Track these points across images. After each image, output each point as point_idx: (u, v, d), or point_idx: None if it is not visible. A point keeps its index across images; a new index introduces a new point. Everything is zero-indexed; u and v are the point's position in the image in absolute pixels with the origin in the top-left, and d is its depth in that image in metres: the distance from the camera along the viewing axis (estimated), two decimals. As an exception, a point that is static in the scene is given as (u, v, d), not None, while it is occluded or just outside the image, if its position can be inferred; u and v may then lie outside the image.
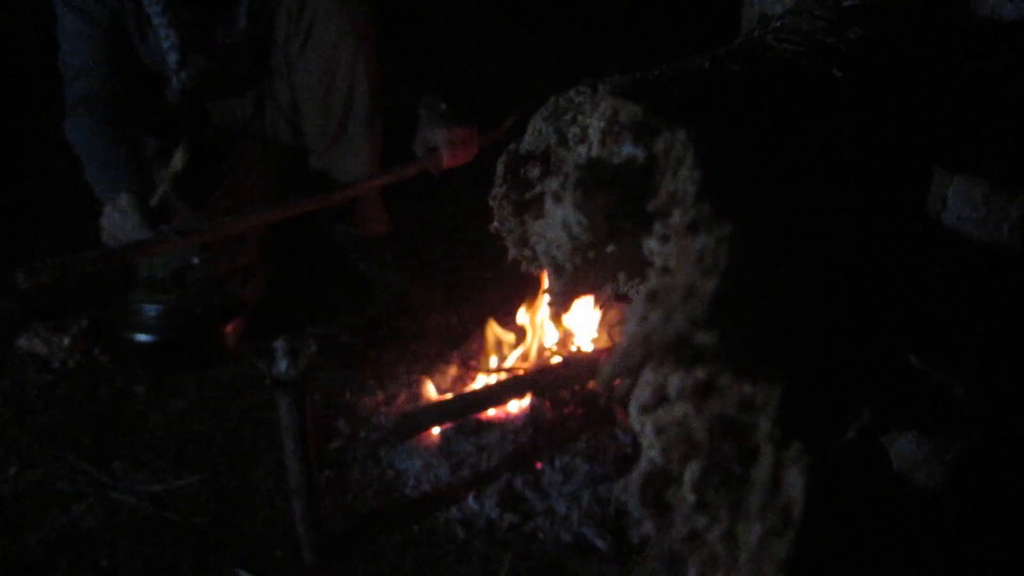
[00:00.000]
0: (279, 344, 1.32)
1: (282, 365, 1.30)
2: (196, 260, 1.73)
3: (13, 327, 1.98)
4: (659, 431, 0.39)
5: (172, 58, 1.91)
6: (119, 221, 1.70)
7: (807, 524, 0.35)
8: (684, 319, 0.34)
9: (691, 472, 0.39)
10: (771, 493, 0.36)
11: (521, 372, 1.85)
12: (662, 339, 0.34)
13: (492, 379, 1.85)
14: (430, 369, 1.97)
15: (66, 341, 1.91)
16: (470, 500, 1.56)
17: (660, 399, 0.40)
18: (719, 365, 0.36)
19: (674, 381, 0.38)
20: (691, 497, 0.39)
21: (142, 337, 1.72)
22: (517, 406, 1.78)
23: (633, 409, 0.41)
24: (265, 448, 1.70)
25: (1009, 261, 0.67)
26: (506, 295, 2.14)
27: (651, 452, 0.40)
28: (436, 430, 1.73)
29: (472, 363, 1.98)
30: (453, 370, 1.96)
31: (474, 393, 1.79)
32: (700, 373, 0.37)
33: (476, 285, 2.25)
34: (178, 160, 1.69)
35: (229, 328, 1.87)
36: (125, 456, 1.68)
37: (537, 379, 1.80)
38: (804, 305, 0.42)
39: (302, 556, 1.44)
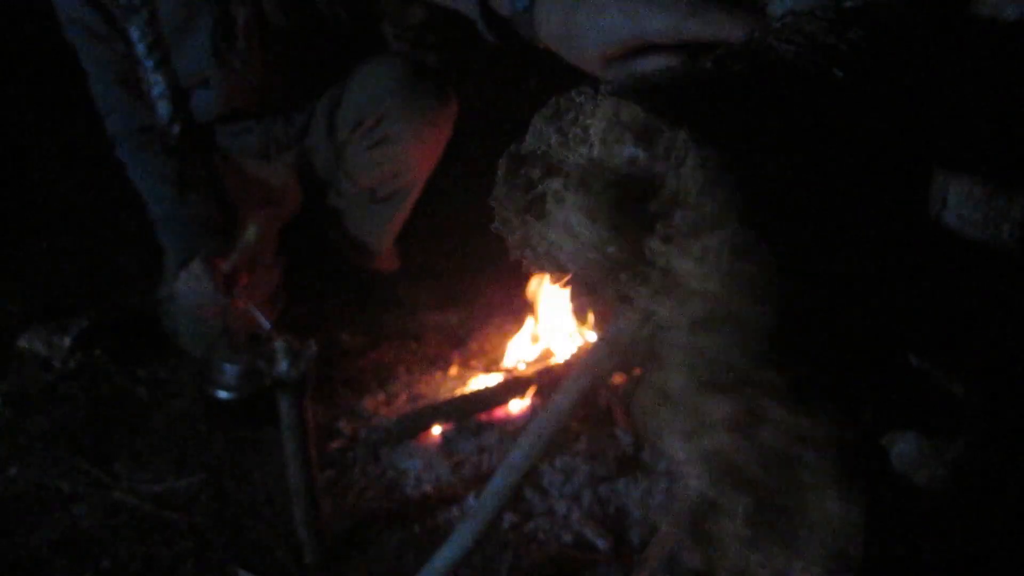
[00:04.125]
0: (279, 344, 1.32)
1: (282, 365, 1.31)
2: (268, 323, 1.77)
3: (13, 327, 1.98)
4: (703, 460, 0.38)
5: (163, 109, 1.76)
6: (195, 286, 1.73)
7: (866, 564, 0.34)
8: (740, 354, 0.33)
9: (743, 506, 0.38)
10: (836, 534, 0.34)
11: (522, 373, 1.85)
12: (718, 377, 0.33)
13: (492, 379, 1.85)
14: (430, 369, 1.97)
15: (67, 341, 1.91)
16: (471, 500, 1.56)
17: (702, 425, 0.38)
18: (770, 397, 0.35)
19: (718, 409, 0.36)
20: (743, 532, 0.38)
21: (222, 394, 1.78)
22: (518, 406, 1.79)
23: (672, 436, 0.39)
24: (266, 448, 1.70)
25: (1009, 261, 0.67)
26: (506, 295, 2.14)
27: (697, 482, 0.38)
28: (437, 430, 1.73)
29: (472, 363, 1.98)
30: (453, 370, 1.96)
31: (474, 393, 1.79)
32: (748, 403, 0.36)
33: (476, 285, 2.25)
34: (251, 234, 1.72)
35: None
36: (126, 456, 1.68)
37: (537, 379, 1.80)
38: (827, 319, 0.41)
39: (303, 556, 1.44)
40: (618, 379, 1.73)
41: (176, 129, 1.80)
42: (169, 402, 1.83)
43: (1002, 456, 0.71)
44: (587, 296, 0.44)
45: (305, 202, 2.12)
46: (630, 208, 0.40)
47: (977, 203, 0.66)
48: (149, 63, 1.72)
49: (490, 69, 2.28)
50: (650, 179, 0.39)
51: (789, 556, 0.37)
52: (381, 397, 1.87)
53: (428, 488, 1.60)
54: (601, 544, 1.47)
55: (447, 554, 1.25)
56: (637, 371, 1.69)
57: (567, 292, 0.48)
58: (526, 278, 1.98)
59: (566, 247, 0.41)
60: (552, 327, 1.96)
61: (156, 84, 1.74)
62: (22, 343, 1.93)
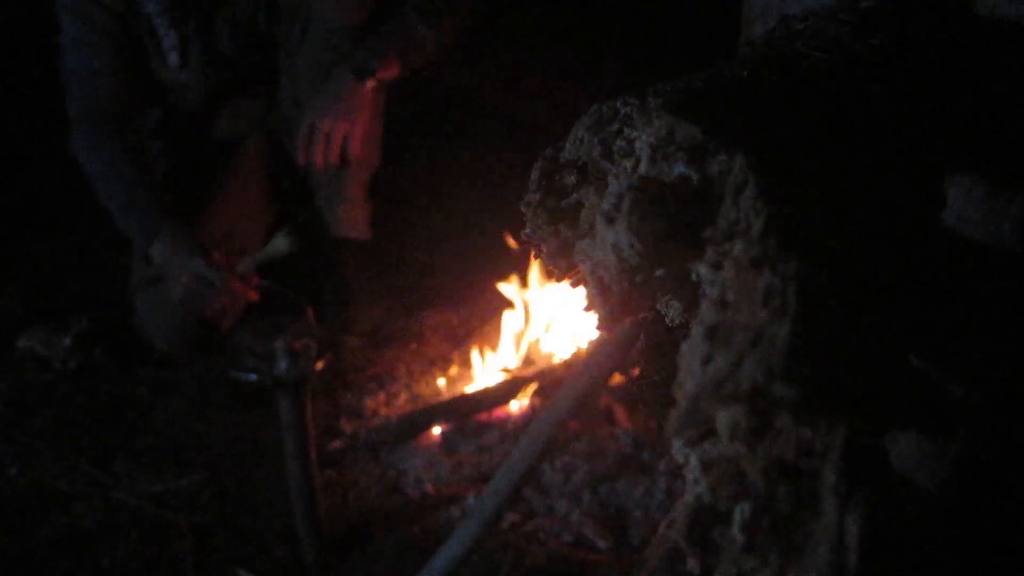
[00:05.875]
0: (279, 344, 1.32)
1: (282, 365, 1.31)
2: (289, 293, 1.75)
3: (13, 327, 1.98)
4: (706, 467, 0.37)
5: (173, 59, 1.85)
6: (200, 285, 1.74)
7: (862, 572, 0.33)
8: (759, 368, 0.32)
9: (741, 513, 0.37)
10: (836, 546, 0.34)
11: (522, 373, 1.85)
12: (736, 390, 0.33)
13: (493, 379, 1.85)
14: (430, 369, 1.96)
15: (67, 341, 1.91)
16: (470, 500, 1.56)
17: (707, 432, 0.37)
18: (778, 407, 0.34)
19: (724, 417, 0.36)
20: (740, 538, 0.37)
21: (251, 377, 1.77)
22: (518, 406, 1.79)
23: (676, 440, 0.39)
24: (265, 448, 1.70)
25: (1009, 261, 0.67)
26: (506, 295, 2.13)
27: (698, 488, 0.38)
28: (437, 430, 1.73)
29: (472, 363, 1.98)
30: (453, 370, 1.96)
31: (474, 393, 1.79)
32: (756, 413, 0.35)
33: (476, 285, 2.25)
34: (281, 242, 1.66)
35: (320, 366, 1.89)
36: (126, 456, 1.68)
37: (538, 379, 1.80)
38: (854, 336, 0.40)
39: (302, 556, 1.44)
40: (618, 379, 1.73)
41: (185, 76, 1.85)
42: (169, 402, 1.83)
43: (1002, 456, 0.71)
44: (618, 312, 0.43)
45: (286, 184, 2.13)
46: (679, 229, 0.39)
47: (977, 203, 0.66)
48: (164, 21, 1.77)
49: (490, 69, 2.27)
50: (702, 200, 0.38)
51: (786, 564, 0.36)
52: (381, 397, 1.87)
53: (428, 488, 1.60)
54: (601, 544, 1.46)
55: (447, 554, 1.25)
56: (636, 371, 1.69)
57: (580, 292, 0.47)
58: (525, 278, 1.98)
59: (612, 268, 0.40)
60: (552, 327, 1.96)
61: (167, 36, 1.80)
62: (22, 343, 1.93)
